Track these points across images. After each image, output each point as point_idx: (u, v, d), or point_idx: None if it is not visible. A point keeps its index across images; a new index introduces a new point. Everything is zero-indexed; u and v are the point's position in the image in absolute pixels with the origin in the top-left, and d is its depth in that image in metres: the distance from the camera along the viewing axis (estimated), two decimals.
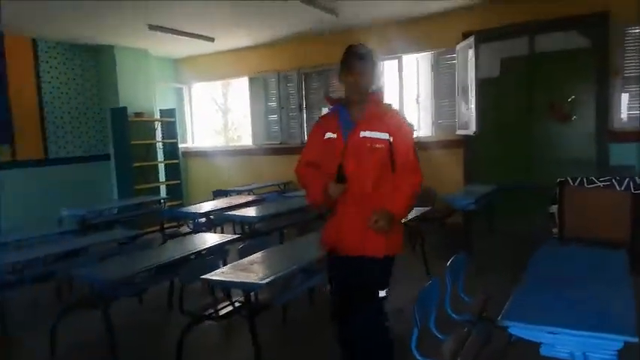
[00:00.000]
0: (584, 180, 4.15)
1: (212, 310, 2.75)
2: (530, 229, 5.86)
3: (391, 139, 2.19)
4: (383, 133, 2.20)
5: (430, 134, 6.93)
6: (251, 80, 8.48)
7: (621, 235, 4.09)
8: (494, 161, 6.35)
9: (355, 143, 2.20)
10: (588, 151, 5.85)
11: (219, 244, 3.68)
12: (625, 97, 5.75)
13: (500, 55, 6.25)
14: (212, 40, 7.40)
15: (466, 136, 6.42)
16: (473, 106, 5.96)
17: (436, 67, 6.88)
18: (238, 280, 2.42)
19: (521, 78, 6.11)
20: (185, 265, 3.18)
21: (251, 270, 2.57)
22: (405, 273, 4.71)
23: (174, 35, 6.87)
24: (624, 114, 5.75)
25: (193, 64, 9.03)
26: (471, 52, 5.98)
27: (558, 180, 4.27)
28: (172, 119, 8.40)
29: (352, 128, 2.22)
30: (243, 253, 3.22)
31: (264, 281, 2.33)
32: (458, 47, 6.38)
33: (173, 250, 3.65)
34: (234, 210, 5.41)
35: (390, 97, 7.19)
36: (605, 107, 5.73)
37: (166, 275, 3.52)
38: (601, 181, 4.09)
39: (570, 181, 4.22)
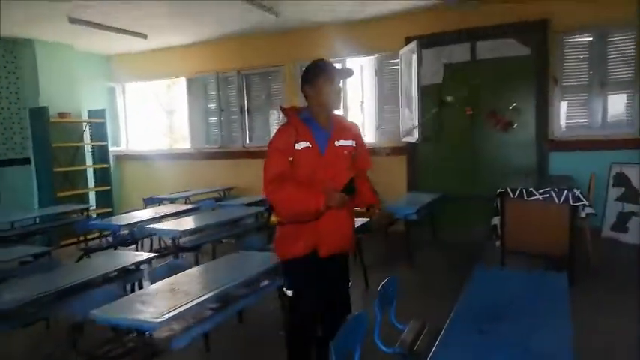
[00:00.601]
0: (524, 192, 4.04)
1: (108, 349, 2.36)
2: (473, 239, 5.79)
3: (354, 147, 2.44)
4: (350, 141, 2.42)
5: (374, 140, 6.73)
6: (189, 81, 8.02)
7: (560, 249, 4.00)
8: (438, 169, 6.23)
9: (333, 152, 2.34)
10: (529, 160, 5.82)
11: (131, 265, 3.27)
12: (564, 106, 5.77)
13: (443, 61, 6.14)
14: (145, 37, 6.90)
15: (410, 143, 6.28)
16: (416, 112, 5.81)
17: (380, 71, 6.70)
18: (128, 318, 2.04)
19: (463, 85, 6.01)
20: (84, 292, 2.75)
21: (150, 302, 2.20)
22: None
23: (102, 31, 6.33)
24: (563, 123, 5.77)
25: (127, 61, 8.43)
26: (414, 58, 5.83)
27: (499, 191, 4.14)
28: (102, 120, 7.78)
29: (327, 138, 2.35)
30: (155, 277, 2.84)
31: (159, 319, 1.97)
32: (401, 52, 6.22)
33: (80, 272, 3.19)
34: (162, 221, 4.97)
35: None
36: (545, 116, 5.72)
37: (66, 303, 3.07)
38: (540, 194, 3.98)
39: (510, 193, 4.09)
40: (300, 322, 2.41)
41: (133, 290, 3.03)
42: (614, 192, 5.41)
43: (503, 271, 2.52)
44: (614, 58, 5.50)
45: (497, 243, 4.25)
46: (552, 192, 3.97)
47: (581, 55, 5.64)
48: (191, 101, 8.03)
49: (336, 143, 2.36)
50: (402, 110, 6.32)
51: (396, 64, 6.40)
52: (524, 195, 4.05)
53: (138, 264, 3.32)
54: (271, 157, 2.32)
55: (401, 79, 6.29)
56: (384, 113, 6.72)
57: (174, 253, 4.08)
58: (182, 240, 4.25)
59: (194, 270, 2.97)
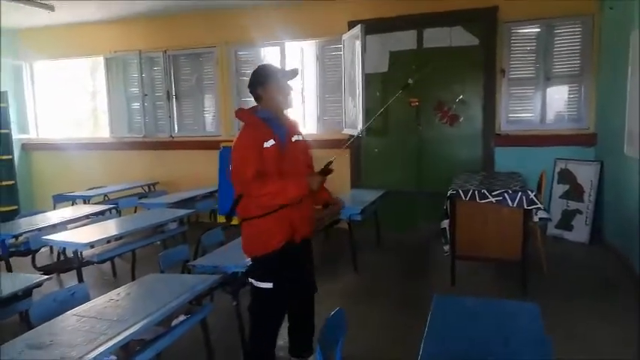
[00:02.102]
0: (476, 194, 3.73)
1: None
2: (418, 240, 5.51)
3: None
4: (301, 136, 2.60)
5: (315, 132, 6.26)
6: (108, 61, 7.12)
7: (512, 254, 3.75)
8: (383, 164, 5.88)
9: (293, 147, 2.51)
10: (475, 155, 5.59)
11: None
12: (511, 99, 5.56)
13: (388, 48, 5.74)
14: (51, 8, 5.95)
15: (353, 136, 5.85)
16: (360, 103, 5.38)
17: (321, 57, 6.20)
18: None
19: (410, 74, 5.65)
20: None
21: None
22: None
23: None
24: (509, 117, 5.57)
25: (35, 37, 7.37)
26: (358, 44, 5.38)
27: (449, 193, 3.81)
28: (3, 104, 6.74)
29: (286, 134, 2.49)
30: (35, 315, 2.22)
31: None
32: (344, 37, 5.75)
33: None
34: (68, 225, 4.24)
35: None
36: (492, 109, 5.49)
37: None
38: (493, 196, 3.69)
39: (462, 195, 3.77)
40: (279, 311, 2.56)
41: None
42: (559, 189, 5.30)
43: (467, 301, 2.12)
44: (560, 50, 5.34)
45: (447, 248, 3.94)
46: (506, 194, 3.68)
47: (529, 46, 5.44)
48: (110, 84, 7.15)
49: (293, 139, 2.52)
50: (345, 100, 5.89)
51: (339, 49, 5.93)
52: (477, 197, 3.74)
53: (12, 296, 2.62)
54: (246, 156, 2.37)
55: (344, 66, 5.84)
56: (326, 103, 6.25)
57: (77, 269, 3.40)
58: (87, 252, 3.56)
59: (87, 307, 2.30)
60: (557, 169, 5.33)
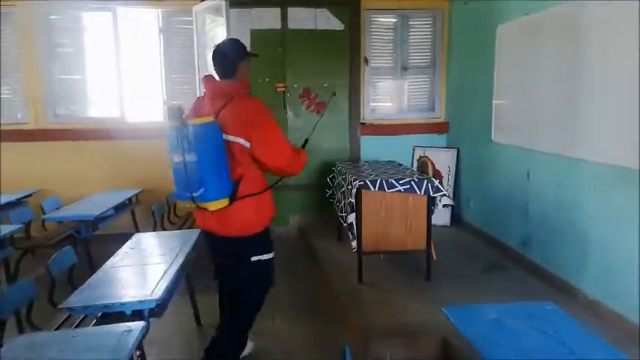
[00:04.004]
0: (384, 184, 3.52)
1: None
2: (291, 236, 5.12)
3: None
4: None
5: (161, 119, 5.28)
6: None
7: (418, 244, 3.66)
8: None
9: None
10: (342, 145, 5.45)
11: None
12: (374, 88, 5.57)
13: (249, 26, 5.15)
14: None
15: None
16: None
17: (167, 30, 5.23)
18: None
19: (275, 57, 5.18)
20: None
21: None
22: (170, 325, 3.20)
23: None
24: (372, 106, 5.58)
25: None
26: (212, 18, 4.68)
27: (357, 185, 3.51)
28: None
29: None
30: None
31: None
32: (195, 9, 4.93)
33: None
34: None
35: (96, 64, 5.19)
36: (357, 98, 5.40)
37: None
38: (401, 184, 3.53)
39: (370, 186, 3.51)
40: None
41: None
42: None
43: (484, 309, 1.83)
44: (414, 42, 5.55)
45: (354, 244, 3.64)
46: (412, 182, 3.56)
47: (387, 36, 5.51)
48: None
49: None
50: (199, 82, 5.08)
51: (189, 22, 5.07)
52: (385, 187, 3.53)
53: None
54: (278, 129, 2.40)
55: (197, 43, 5.02)
56: (174, 85, 5.31)
57: None
58: None
59: None
60: (416, 157, 5.56)
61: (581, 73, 3.17)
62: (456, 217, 5.26)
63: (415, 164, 5.54)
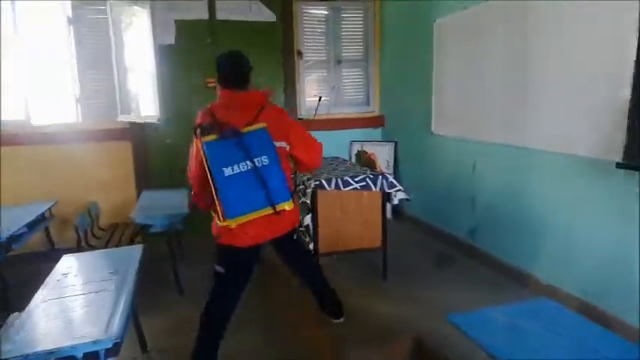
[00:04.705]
0: (340, 182, 3.36)
1: None
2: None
3: None
4: None
5: (75, 120, 4.68)
6: None
7: (375, 241, 3.57)
8: (178, 157, 4.83)
9: None
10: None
11: None
12: (308, 83, 5.39)
13: (173, 16, 4.72)
14: None
15: (136, 125, 4.64)
16: (155, 83, 4.26)
17: (78, 21, 4.63)
18: None
19: (203, 50, 4.80)
20: None
21: None
22: None
23: None
24: (308, 100, 5.40)
25: None
26: (130, 7, 4.23)
27: (313, 185, 3.31)
28: None
29: None
30: None
31: None
32: None
33: None
34: None
35: None
36: (293, 93, 5.19)
37: None
38: (357, 182, 3.39)
39: (326, 185, 3.33)
40: None
41: None
42: None
43: (487, 313, 1.73)
44: (347, 35, 5.45)
45: (311, 246, 3.45)
46: (368, 179, 3.44)
47: (319, 28, 5.35)
48: None
49: None
50: (118, 78, 4.57)
51: (104, 12, 4.53)
52: (341, 185, 3.38)
53: None
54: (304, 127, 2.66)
55: (114, 33, 4.50)
56: (88, 82, 4.72)
57: None
58: None
59: None
60: (354, 151, 5.48)
61: (530, 63, 3.24)
62: (397, 211, 5.27)
63: (353, 158, 5.46)
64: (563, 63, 2.95)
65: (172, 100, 4.62)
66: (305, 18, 5.24)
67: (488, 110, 3.69)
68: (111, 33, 4.49)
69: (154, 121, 4.33)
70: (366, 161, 5.30)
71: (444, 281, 3.64)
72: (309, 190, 3.36)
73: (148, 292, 3.67)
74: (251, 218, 2.22)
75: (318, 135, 5.17)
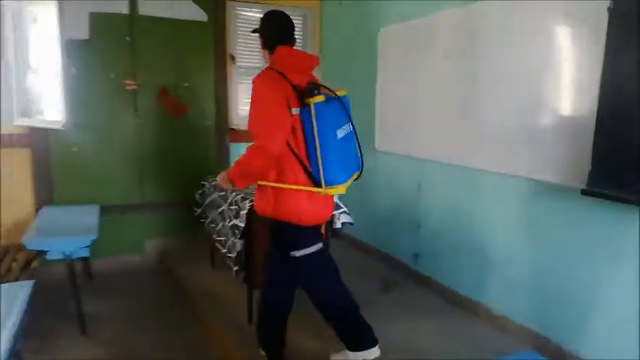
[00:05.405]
0: None
1: None
2: (154, 268, 4.21)
3: None
4: None
5: None
6: None
7: None
8: (86, 169, 4.19)
9: None
10: (209, 153, 4.72)
11: None
12: (242, 90, 4.95)
13: (87, 8, 4.10)
14: None
15: (37, 131, 3.96)
16: (62, 85, 3.64)
17: None
18: None
19: (121, 48, 4.23)
20: None
21: None
22: None
23: None
24: (242, 109, 4.96)
25: None
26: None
27: (247, 207, 2.88)
28: None
29: None
30: None
31: None
32: None
33: None
34: None
35: None
36: (225, 100, 4.74)
37: None
38: None
39: None
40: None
41: None
42: None
43: None
44: None
45: (242, 277, 3.00)
46: None
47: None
48: None
49: None
50: (15, 78, 3.89)
51: None
52: None
53: None
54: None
55: (3, 28, 3.82)
56: None
57: None
58: None
59: None
60: None
61: (478, 78, 3.06)
62: (334, 231, 4.93)
63: None
64: (515, 81, 2.78)
65: (82, 102, 3.99)
66: (239, 20, 4.82)
67: (436, 128, 3.47)
68: (4, 26, 3.81)
69: (59, 126, 3.69)
70: None
71: (388, 309, 3.34)
72: (243, 212, 2.92)
73: (43, 331, 3.07)
74: (349, 184, 2.20)
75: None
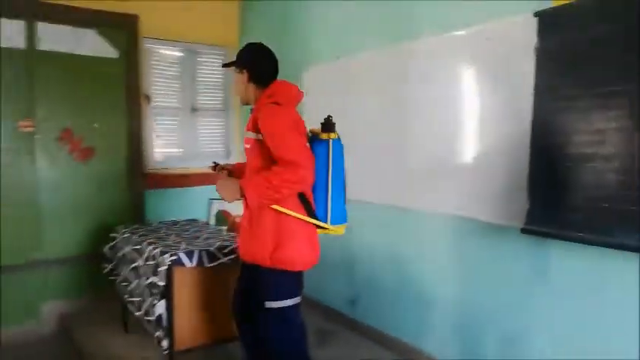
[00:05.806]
0: (204, 255, 2.65)
1: None
2: (91, 341, 3.61)
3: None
4: (250, 133, 2.18)
5: None
6: None
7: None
8: None
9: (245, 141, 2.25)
10: (122, 202, 4.27)
11: None
12: (157, 133, 4.60)
13: None
14: None
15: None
16: None
17: None
18: None
19: (17, 86, 3.75)
20: None
21: None
22: None
23: None
24: (157, 152, 4.59)
25: None
26: None
27: (169, 261, 2.54)
28: None
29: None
30: None
31: None
32: None
33: None
34: None
35: None
36: (138, 143, 4.35)
37: None
38: (226, 255, 2.72)
39: (187, 260, 2.59)
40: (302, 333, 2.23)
41: None
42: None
43: None
44: (204, 80, 4.86)
45: (165, 344, 2.61)
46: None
47: (172, 71, 4.67)
48: None
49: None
50: None
51: None
52: (205, 260, 2.67)
53: None
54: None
55: None
56: None
57: None
58: None
59: None
60: (214, 211, 4.77)
61: (405, 119, 3.03)
62: None
63: (213, 220, 4.74)
64: (443, 118, 2.77)
65: None
66: (155, 58, 4.52)
67: (367, 168, 3.38)
68: None
69: None
70: (231, 226, 4.61)
71: None
72: (161, 269, 2.57)
73: None
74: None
75: (171, 192, 4.52)
